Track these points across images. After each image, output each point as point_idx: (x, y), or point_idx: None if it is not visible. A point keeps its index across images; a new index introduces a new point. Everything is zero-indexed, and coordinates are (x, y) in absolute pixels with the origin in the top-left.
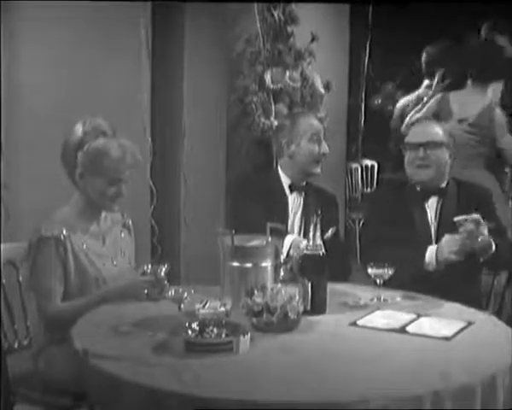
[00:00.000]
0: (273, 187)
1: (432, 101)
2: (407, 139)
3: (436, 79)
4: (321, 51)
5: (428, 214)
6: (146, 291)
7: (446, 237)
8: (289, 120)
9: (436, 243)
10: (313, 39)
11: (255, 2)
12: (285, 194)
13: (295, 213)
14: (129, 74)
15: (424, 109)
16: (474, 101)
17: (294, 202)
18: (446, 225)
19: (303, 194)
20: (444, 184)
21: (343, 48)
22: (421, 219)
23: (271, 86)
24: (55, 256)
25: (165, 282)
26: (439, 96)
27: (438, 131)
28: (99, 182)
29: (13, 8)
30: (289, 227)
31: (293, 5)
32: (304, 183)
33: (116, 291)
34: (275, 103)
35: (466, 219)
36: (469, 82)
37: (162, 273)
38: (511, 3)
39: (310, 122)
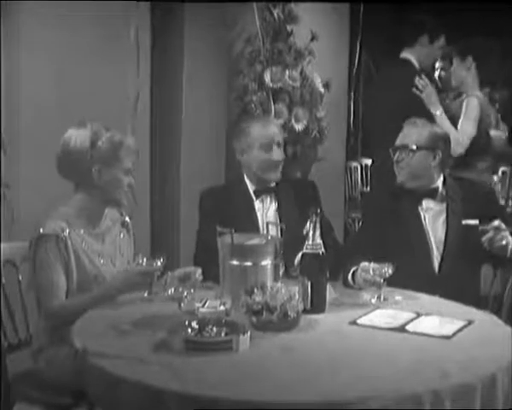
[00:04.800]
0: (238, 195)
1: (470, 103)
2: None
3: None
4: (321, 50)
5: (422, 217)
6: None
7: (363, 265)
8: (243, 126)
9: (444, 246)
10: (313, 38)
11: (255, 1)
12: (251, 199)
13: (266, 215)
14: (128, 73)
15: (467, 116)
16: None
17: (263, 205)
18: (454, 225)
19: (273, 195)
20: (435, 185)
21: (343, 47)
22: (415, 221)
23: (271, 85)
24: (55, 253)
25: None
26: (474, 99)
27: (420, 134)
28: (116, 173)
29: (13, 9)
30: (260, 230)
31: (292, 4)
32: (272, 184)
33: (117, 286)
34: (274, 103)
35: (486, 229)
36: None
37: (158, 264)
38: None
39: (261, 130)
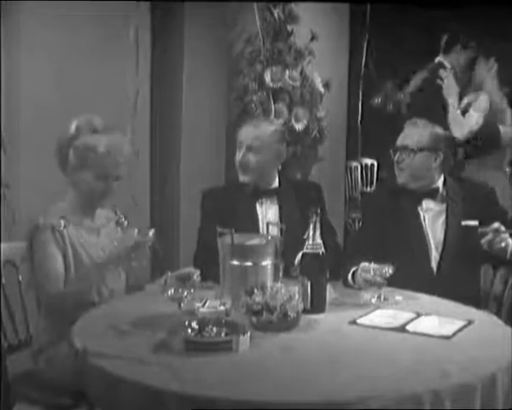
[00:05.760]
0: (240, 195)
1: (481, 99)
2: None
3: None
4: (321, 50)
5: (422, 217)
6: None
7: (363, 266)
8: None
9: (443, 246)
10: (313, 38)
11: (255, 1)
12: (252, 200)
13: (266, 217)
14: (128, 73)
15: (475, 108)
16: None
17: (264, 205)
18: (454, 226)
19: (275, 196)
20: (436, 186)
21: (343, 47)
22: (415, 221)
23: (271, 85)
24: (52, 242)
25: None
26: (485, 95)
27: (421, 135)
28: (87, 177)
29: (13, 9)
30: (261, 230)
31: (292, 4)
32: (274, 186)
33: (110, 258)
34: (274, 102)
35: (486, 231)
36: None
37: (150, 234)
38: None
39: (244, 130)
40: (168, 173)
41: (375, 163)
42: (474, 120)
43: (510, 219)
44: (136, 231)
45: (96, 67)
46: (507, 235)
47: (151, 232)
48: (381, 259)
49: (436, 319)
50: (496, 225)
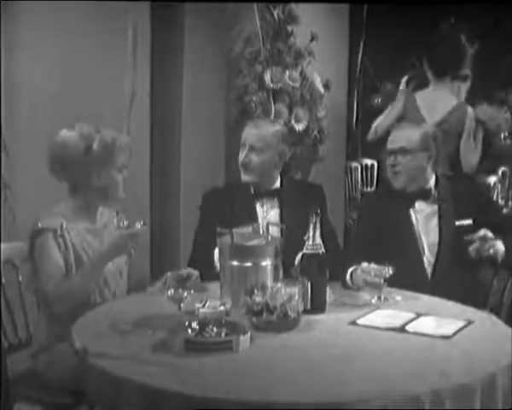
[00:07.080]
0: (240, 195)
1: (397, 105)
2: (387, 145)
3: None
4: (320, 51)
5: (414, 218)
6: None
7: (363, 266)
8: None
9: (439, 245)
10: (313, 39)
11: (255, 1)
12: (253, 200)
13: (267, 218)
14: (127, 73)
15: (390, 115)
16: (441, 98)
17: (263, 207)
18: (447, 227)
19: (276, 197)
20: (428, 186)
21: (343, 47)
22: (407, 224)
23: (271, 86)
24: (53, 245)
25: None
26: (402, 98)
27: (413, 136)
28: (112, 173)
29: (13, 9)
30: (261, 232)
31: (292, 4)
32: (275, 186)
33: (106, 252)
34: (274, 103)
35: (472, 239)
36: (432, 79)
37: (138, 226)
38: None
39: (247, 130)
40: (168, 173)
41: (375, 164)
42: (382, 122)
43: (505, 213)
44: (125, 222)
45: (97, 67)
46: (495, 241)
47: (139, 224)
48: (376, 262)
49: (436, 319)
50: (482, 232)
